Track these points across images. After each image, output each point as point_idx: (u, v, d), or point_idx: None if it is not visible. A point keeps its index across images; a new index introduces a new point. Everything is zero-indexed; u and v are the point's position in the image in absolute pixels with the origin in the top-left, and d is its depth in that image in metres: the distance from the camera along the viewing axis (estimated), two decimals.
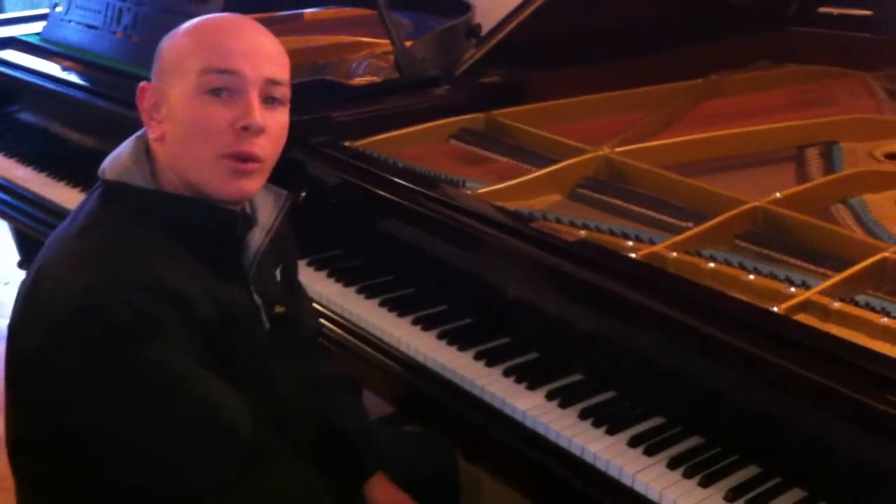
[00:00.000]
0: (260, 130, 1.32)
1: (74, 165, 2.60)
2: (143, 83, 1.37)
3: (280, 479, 1.35)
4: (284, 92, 1.37)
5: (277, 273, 1.52)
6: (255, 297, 1.42)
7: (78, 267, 1.28)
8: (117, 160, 1.37)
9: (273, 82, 1.34)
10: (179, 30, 1.37)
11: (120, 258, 1.28)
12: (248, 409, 1.33)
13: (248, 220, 1.42)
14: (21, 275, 3.26)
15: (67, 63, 2.70)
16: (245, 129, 1.31)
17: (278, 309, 1.47)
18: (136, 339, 1.25)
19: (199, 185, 1.33)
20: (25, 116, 2.83)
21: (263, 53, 1.35)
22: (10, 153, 2.78)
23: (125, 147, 1.39)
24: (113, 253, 1.29)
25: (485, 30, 2.50)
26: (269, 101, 1.34)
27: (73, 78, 2.62)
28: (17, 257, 3.29)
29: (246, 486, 1.31)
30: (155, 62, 1.37)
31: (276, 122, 1.36)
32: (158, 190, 1.35)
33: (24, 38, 2.91)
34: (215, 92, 1.31)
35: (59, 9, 2.86)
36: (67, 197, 2.52)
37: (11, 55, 2.81)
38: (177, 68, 1.33)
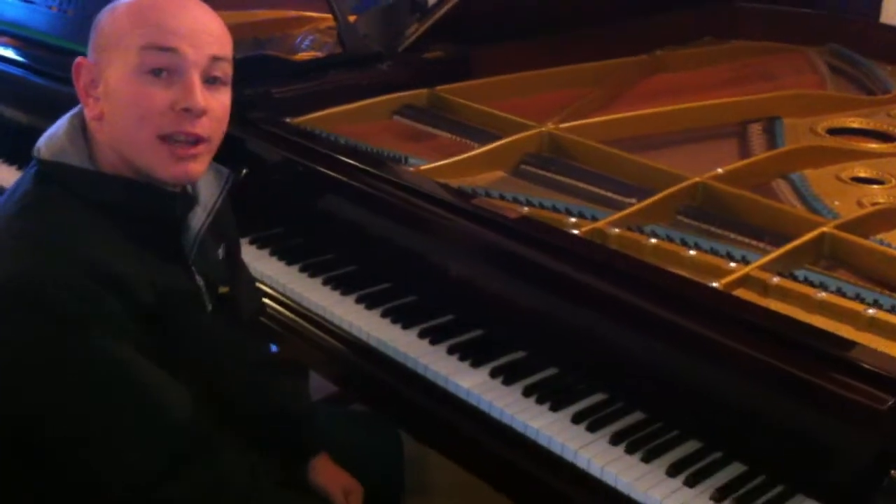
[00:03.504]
0: (202, 112, 1.29)
1: (9, 143, 2.55)
2: (79, 59, 1.33)
3: (221, 465, 1.33)
4: (226, 71, 1.34)
5: (220, 252, 1.50)
6: (198, 278, 1.40)
7: (13, 248, 1.25)
8: (53, 139, 1.33)
9: (215, 59, 1.31)
10: (118, 4, 1.32)
11: (57, 241, 1.25)
12: (189, 396, 1.31)
13: (189, 200, 1.39)
14: None
15: (3, 38, 2.64)
16: (186, 110, 1.28)
17: (222, 290, 1.45)
18: (72, 324, 1.22)
19: (142, 167, 1.30)
20: None
21: (205, 32, 1.31)
22: None
23: (61, 125, 1.35)
24: (50, 235, 1.26)
25: (429, 5, 2.48)
26: (210, 81, 1.31)
27: (8, 54, 2.56)
28: None
29: (187, 473, 1.29)
30: (92, 36, 1.33)
31: (219, 102, 1.33)
32: (96, 171, 1.32)
33: None
34: (155, 72, 1.27)
35: None
36: (3, 175, 2.47)
37: None
38: (115, 45, 1.29)
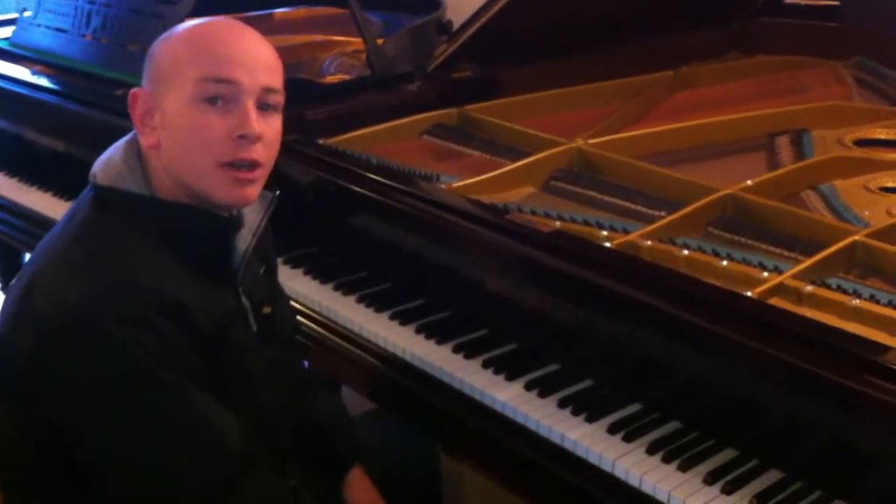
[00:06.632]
0: (257, 138, 1.32)
1: (46, 170, 2.59)
2: (134, 89, 1.36)
3: (265, 490, 1.36)
4: (278, 99, 1.37)
5: (261, 272, 1.52)
6: (244, 299, 1.42)
7: (74, 276, 1.27)
8: (109, 164, 1.36)
9: (269, 90, 1.34)
10: (172, 35, 1.35)
11: (117, 268, 1.28)
12: (236, 422, 1.33)
13: (238, 222, 1.42)
14: None
15: (38, 67, 2.68)
16: (242, 137, 1.31)
17: (266, 310, 1.47)
18: (131, 353, 1.24)
19: (201, 192, 1.33)
20: None
21: (260, 62, 1.34)
22: None
23: (117, 151, 1.37)
24: (109, 263, 1.29)
25: (455, 26, 2.51)
26: (263, 107, 1.34)
27: (43, 82, 2.60)
28: None
29: (232, 499, 1.31)
30: (147, 67, 1.35)
31: (271, 128, 1.35)
32: (153, 196, 1.35)
33: None
34: (211, 100, 1.30)
35: (27, 13, 2.84)
36: (40, 202, 2.51)
37: None
38: (172, 76, 1.32)
